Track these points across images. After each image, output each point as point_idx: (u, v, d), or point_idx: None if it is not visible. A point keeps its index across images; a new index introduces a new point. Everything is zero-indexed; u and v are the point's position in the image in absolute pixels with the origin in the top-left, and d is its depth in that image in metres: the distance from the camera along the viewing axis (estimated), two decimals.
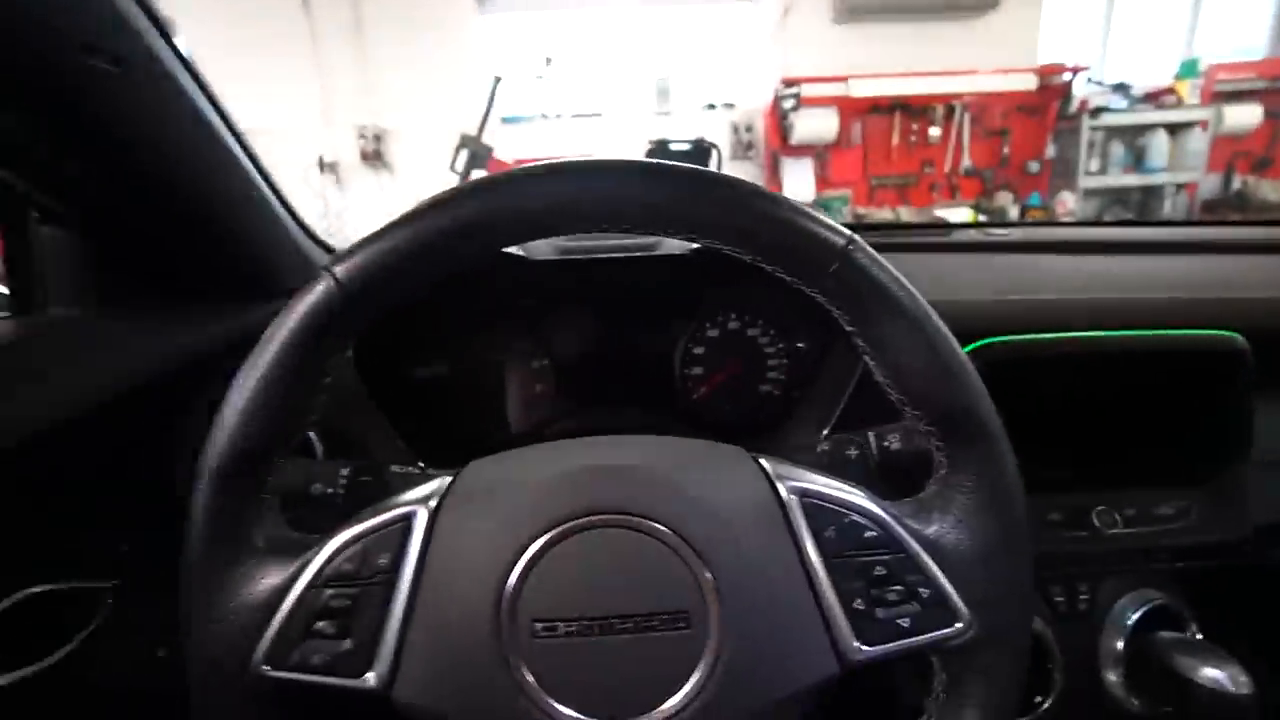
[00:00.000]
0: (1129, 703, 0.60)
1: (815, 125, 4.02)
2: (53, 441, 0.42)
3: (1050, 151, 4.13)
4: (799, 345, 0.66)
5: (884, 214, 4.14)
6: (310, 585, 0.29)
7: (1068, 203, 3.93)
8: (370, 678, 0.28)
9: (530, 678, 0.28)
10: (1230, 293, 0.63)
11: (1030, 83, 4.00)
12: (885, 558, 0.30)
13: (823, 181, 4.26)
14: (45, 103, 0.37)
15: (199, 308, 0.56)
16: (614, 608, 0.28)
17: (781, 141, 4.14)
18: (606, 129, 4.37)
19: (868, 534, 0.30)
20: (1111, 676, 0.61)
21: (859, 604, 0.29)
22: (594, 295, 0.65)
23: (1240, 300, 0.62)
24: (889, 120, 4.18)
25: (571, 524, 0.29)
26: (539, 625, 0.28)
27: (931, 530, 0.31)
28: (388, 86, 4.08)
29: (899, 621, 0.29)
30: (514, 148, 3.99)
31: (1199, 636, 0.59)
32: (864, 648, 0.29)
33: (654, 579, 0.28)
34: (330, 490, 0.39)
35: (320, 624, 0.29)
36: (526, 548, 0.29)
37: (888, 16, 4.24)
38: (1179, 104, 3.89)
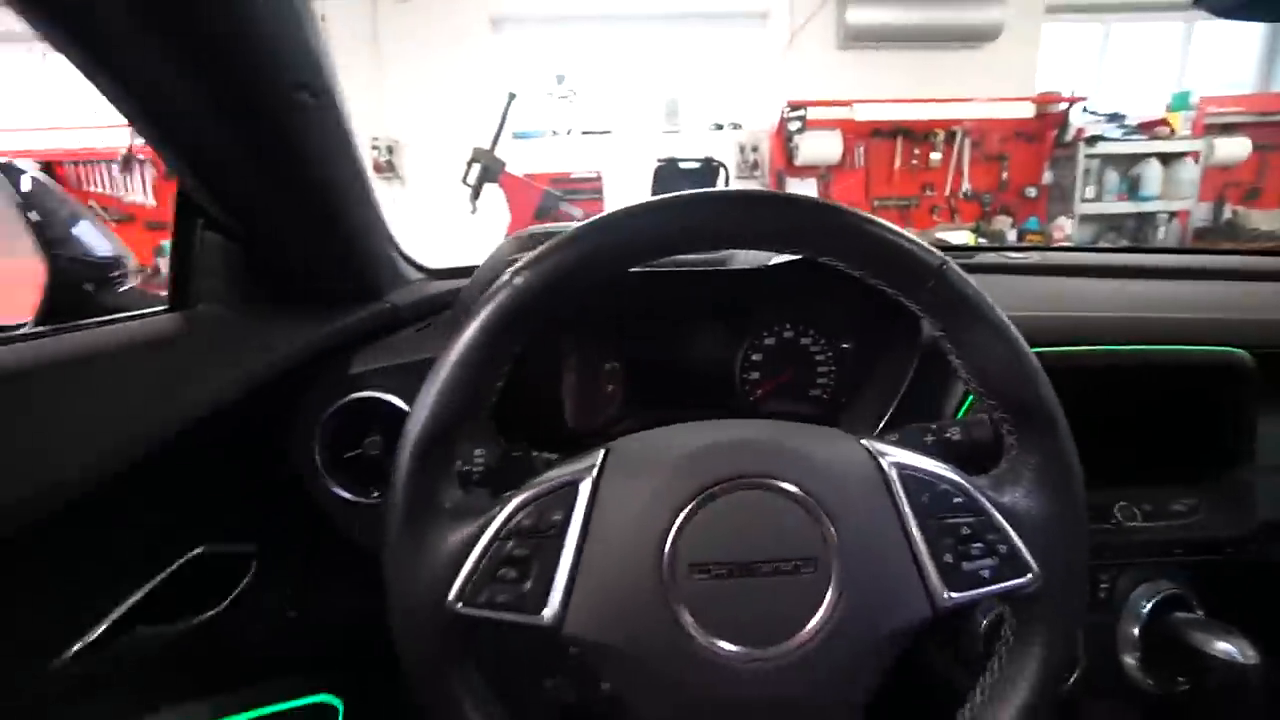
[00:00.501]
0: (1144, 683, 0.67)
1: (820, 147, 4.13)
2: (209, 424, 0.48)
3: (1047, 177, 4.26)
4: (845, 351, 0.72)
5: None
6: (495, 538, 0.36)
7: (1065, 228, 4.05)
8: (546, 614, 0.35)
9: (687, 614, 0.34)
10: (1230, 314, 0.70)
11: (1028, 111, 4.14)
12: (969, 520, 0.36)
13: None
14: (258, 129, 0.43)
15: (316, 309, 0.62)
16: (755, 554, 0.34)
17: (787, 162, 4.25)
18: (617, 146, 4.47)
19: (954, 500, 0.37)
20: (1129, 659, 0.67)
21: (948, 558, 0.36)
22: (664, 305, 0.71)
23: (1242, 321, 0.69)
24: (891, 144, 4.30)
25: (720, 485, 0.35)
26: (694, 569, 0.34)
27: (1006, 498, 0.37)
28: (402, 101, 4.17)
29: (981, 573, 0.36)
30: (526, 162, 4.08)
31: (1203, 616, 0.66)
32: (952, 595, 0.35)
33: (787, 531, 0.35)
34: (491, 465, 0.45)
35: (503, 570, 0.35)
36: (685, 505, 0.35)
37: (890, 44, 4.37)
38: (1171, 135, 4.02)
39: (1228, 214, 4.18)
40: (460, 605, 0.35)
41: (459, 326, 0.37)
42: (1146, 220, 4.20)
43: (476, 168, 3.67)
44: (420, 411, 0.36)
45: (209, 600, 0.48)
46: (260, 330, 0.56)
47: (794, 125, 4.12)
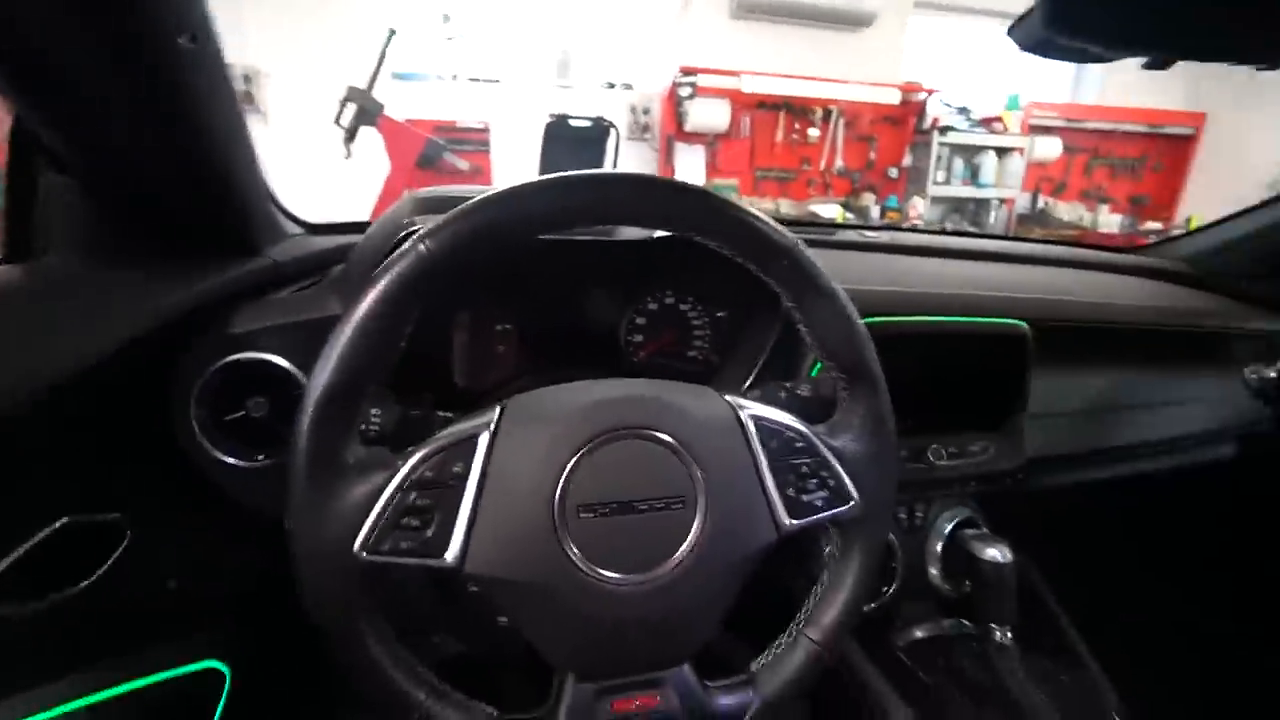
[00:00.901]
0: (944, 588, 0.83)
1: (709, 115, 4.23)
2: (67, 387, 0.46)
3: (907, 160, 4.69)
4: (720, 318, 0.80)
5: (766, 205, 4.49)
6: (398, 489, 0.39)
7: (918, 207, 4.51)
8: (448, 556, 0.38)
9: (575, 548, 0.39)
10: (1017, 293, 0.86)
11: (894, 97, 4.50)
12: (808, 460, 0.45)
13: (712, 169, 4.50)
14: (132, 73, 0.40)
15: (183, 264, 0.59)
16: (634, 494, 0.40)
17: (677, 127, 4.32)
18: (506, 96, 4.28)
19: (797, 445, 0.45)
20: (933, 570, 0.83)
21: (790, 492, 0.44)
22: (556, 270, 0.74)
23: (1025, 299, 0.85)
24: (775, 117, 4.50)
25: (604, 436, 0.40)
26: (581, 509, 0.40)
27: (837, 442, 0.46)
28: (264, 24, 3.69)
29: (815, 503, 0.45)
30: (407, 107, 3.80)
31: (986, 532, 0.83)
32: (793, 521, 0.44)
33: (661, 474, 0.41)
34: (388, 424, 0.47)
35: (406, 519, 0.38)
36: (574, 454, 0.40)
37: (778, 19, 4.53)
38: (1005, 131, 4.58)
39: (1041, 204, 4.88)
40: (365, 554, 0.38)
41: (361, 288, 0.38)
42: (982, 205, 4.78)
43: (351, 108, 3.38)
44: (323, 370, 0.37)
45: (77, 573, 0.46)
46: (122, 284, 0.52)
47: (685, 91, 4.18)
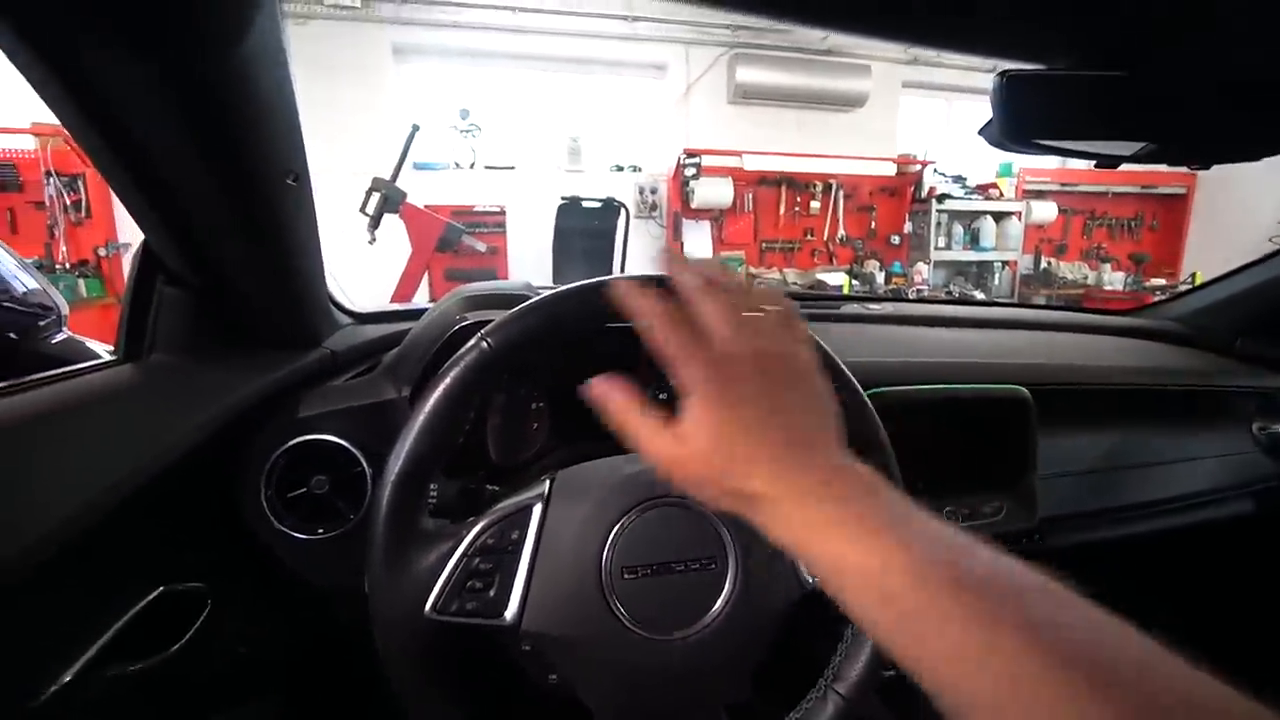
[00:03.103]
0: None
1: (713, 192, 4.47)
2: (167, 470, 0.52)
3: (908, 227, 4.87)
4: None
5: (773, 275, 4.64)
6: (464, 555, 0.44)
7: (923, 272, 4.64)
8: (508, 615, 0.43)
9: (621, 607, 0.44)
10: (1017, 359, 0.92)
11: (890, 169, 4.73)
12: None
13: (720, 243, 4.70)
14: (247, 206, 0.49)
15: (256, 358, 0.66)
16: (671, 556, 0.45)
17: (683, 205, 4.54)
18: (520, 181, 4.55)
19: None
20: None
21: None
22: (586, 351, 0.81)
23: (1024, 365, 0.91)
24: (777, 192, 4.74)
25: (643, 505, 0.46)
26: (624, 571, 0.44)
27: None
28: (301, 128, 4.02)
29: None
30: (428, 194, 4.05)
31: None
32: (813, 579, 0.48)
33: (695, 538, 0.46)
34: (447, 497, 0.53)
35: (471, 582, 0.43)
36: (617, 522, 0.45)
37: (775, 102, 4.85)
38: (1000, 197, 4.77)
39: (1044, 264, 5.00)
40: (436, 614, 0.42)
41: (427, 382, 0.45)
42: (985, 267, 4.90)
43: (376, 197, 3.60)
44: (402, 451, 0.44)
45: (170, 639, 0.51)
46: (212, 377, 0.60)
47: (690, 171, 4.43)
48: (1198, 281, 1.32)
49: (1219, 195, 5.02)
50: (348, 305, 0.90)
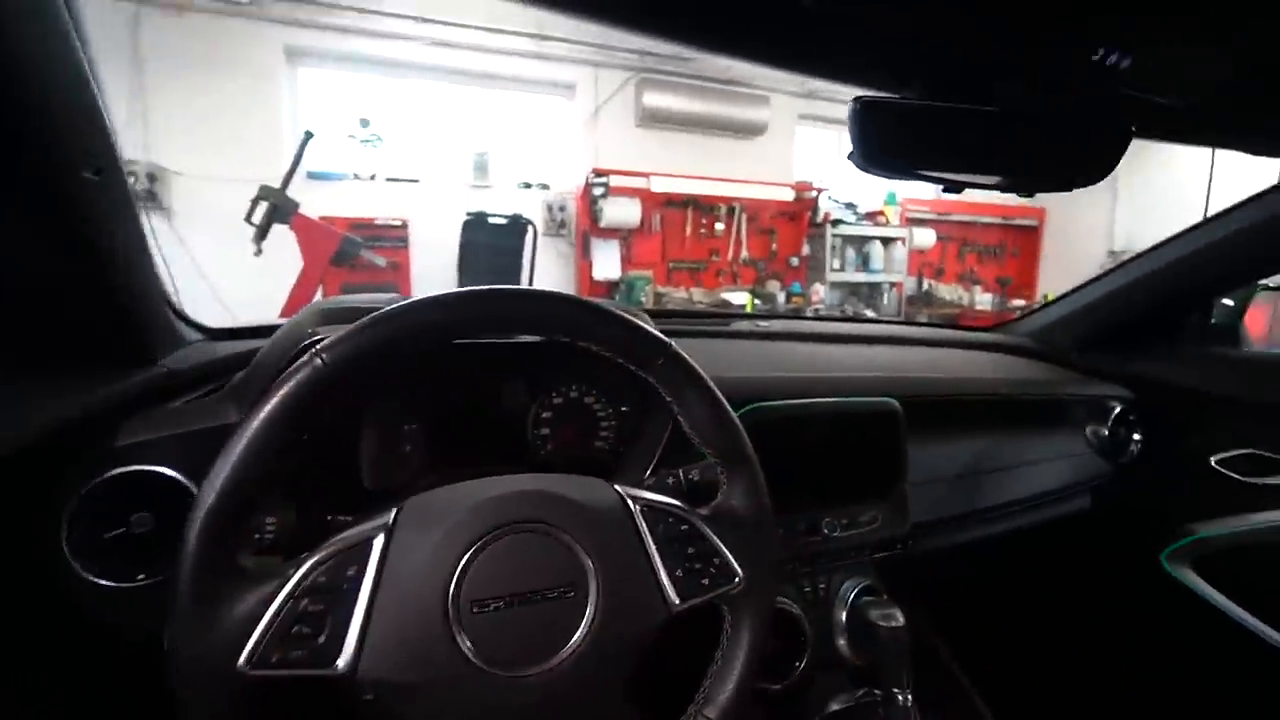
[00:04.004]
0: (853, 659, 0.86)
1: (621, 212, 4.52)
2: None
3: (805, 250, 5.14)
4: (624, 412, 0.85)
5: (680, 294, 4.74)
6: (289, 597, 0.39)
7: (820, 292, 4.91)
8: (340, 663, 0.39)
9: (469, 643, 0.40)
10: (890, 373, 0.97)
11: (788, 195, 4.99)
12: (695, 542, 0.48)
13: (628, 262, 4.75)
14: (36, 204, 0.42)
15: (73, 375, 0.57)
16: (526, 586, 0.42)
17: (592, 223, 4.56)
18: (424, 195, 4.39)
19: (682, 527, 0.48)
20: (840, 640, 0.87)
21: (678, 573, 0.47)
22: (462, 370, 0.77)
23: (895, 378, 0.96)
24: (684, 213, 4.87)
25: (495, 532, 0.43)
26: (474, 605, 0.41)
27: (720, 522, 0.50)
28: (171, 126, 3.67)
29: (703, 581, 0.48)
30: (324, 205, 3.82)
31: (885, 598, 0.89)
32: (679, 601, 0.47)
33: (553, 564, 0.43)
34: (284, 531, 0.47)
35: (297, 627, 0.39)
36: (466, 551, 0.42)
37: (680, 127, 5.00)
38: (887, 223, 5.16)
39: (925, 286, 5.45)
40: (250, 669, 0.37)
41: (258, 400, 0.40)
42: (875, 288, 5.27)
43: (264, 206, 3.36)
44: (214, 481, 0.38)
45: None
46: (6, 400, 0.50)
47: (598, 190, 4.46)
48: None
49: (1068, 226, 5.72)
50: (196, 320, 0.80)
